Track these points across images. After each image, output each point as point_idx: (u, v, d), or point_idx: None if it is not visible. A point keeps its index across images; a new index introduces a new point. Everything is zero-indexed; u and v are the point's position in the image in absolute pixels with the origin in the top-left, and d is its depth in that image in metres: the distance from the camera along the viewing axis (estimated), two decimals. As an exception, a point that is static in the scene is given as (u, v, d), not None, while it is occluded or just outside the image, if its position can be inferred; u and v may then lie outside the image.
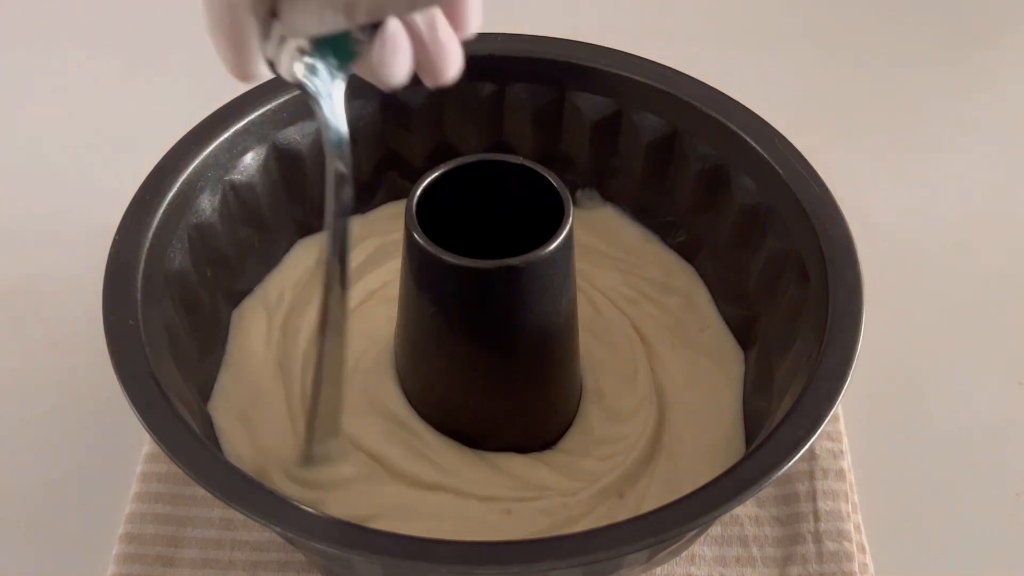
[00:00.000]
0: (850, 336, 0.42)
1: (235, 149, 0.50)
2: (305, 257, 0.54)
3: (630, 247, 0.55)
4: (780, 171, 0.48)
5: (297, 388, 0.49)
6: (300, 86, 0.36)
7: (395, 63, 0.35)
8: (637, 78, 0.52)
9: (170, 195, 0.47)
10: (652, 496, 0.46)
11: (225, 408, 0.48)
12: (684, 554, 0.47)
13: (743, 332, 0.51)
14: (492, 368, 0.46)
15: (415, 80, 0.37)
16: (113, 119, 0.66)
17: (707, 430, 0.48)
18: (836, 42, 0.73)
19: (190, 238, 0.48)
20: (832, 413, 0.40)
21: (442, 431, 0.47)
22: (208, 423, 0.47)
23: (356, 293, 0.53)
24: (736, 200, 0.50)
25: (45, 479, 0.50)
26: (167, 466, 0.49)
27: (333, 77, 0.36)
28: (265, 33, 0.34)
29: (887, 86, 0.70)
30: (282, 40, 0.34)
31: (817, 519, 0.48)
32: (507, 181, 0.45)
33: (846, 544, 0.47)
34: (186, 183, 0.47)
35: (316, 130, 0.52)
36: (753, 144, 0.49)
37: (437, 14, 0.35)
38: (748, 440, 0.48)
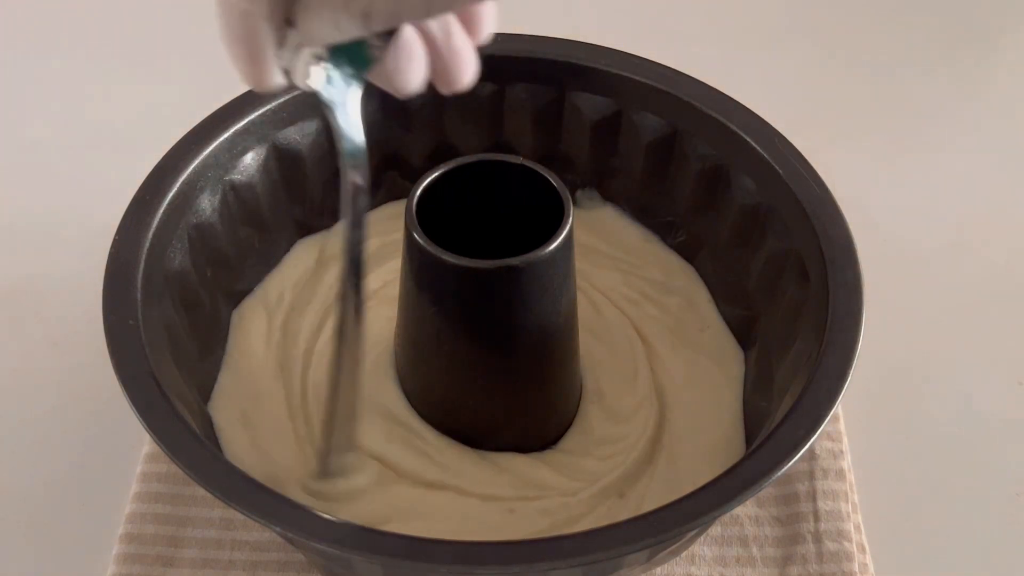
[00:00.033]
0: (850, 336, 0.42)
1: (235, 149, 0.50)
2: (305, 257, 0.54)
3: (630, 247, 0.55)
4: (780, 171, 0.48)
5: (297, 388, 0.49)
6: (315, 95, 0.35)
7: (410, 70, 0.35)
8: (637, 78, 0.52)
9: (170, 195, 0.47)
10: (652, 496, 0.46)
11: (225, 408, 0.48)
12: (684, 554, 0.47)
13: (743, 332, 0.51)
14: (492, 368, 0.46)
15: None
16: (113, 119, 0.66)
17: (707, 430, 0.48)
18: (836, 42, 0.73)
19: (190, 238, 0.48)
20: (832, 413, 0.40)
21: (442, 431, 0.47)
22: (208, 423, 0.47)
23: (356, 293, 0.53)
24: (736, 200, 0.50)
25: (45, 479, 0.50)
26: (167, 466, 0.49)
27: (348, 85, 0.35)
28: (280, 41, 0.33)
29: (887, 86, 0.70)
30: (297, 48, 0.34)
31: (817, 519, 0.48)
32: (507, 181, 0.45)
33: (846, 544, 0.47)
34: (186, 183, 0.47)
35: (316, 130, 0.52)
36: (753, 144, 0.49)
37: (452, 20, 0.35)
38: (748, 440, 0.48)
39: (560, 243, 0.42)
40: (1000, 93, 0.70)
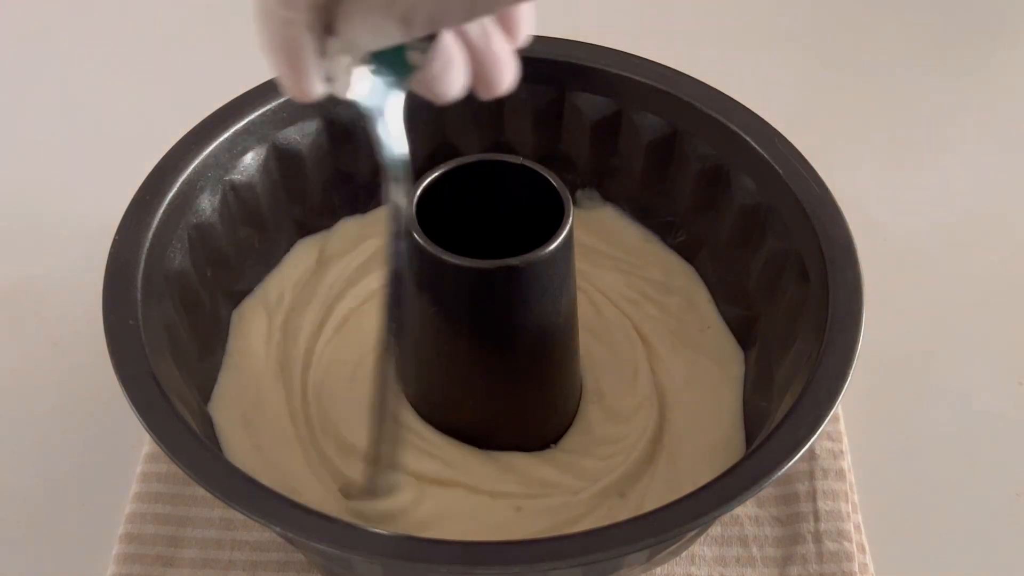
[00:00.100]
0: (850, 336, 0.42)
1: (235, 149, 0.50)
2: (305, 257, 0.54)
3: (630, 247, 0.55)
4: (780, 171, 0.48)
5: (297, 388, 0.49)
6: (355, 104, 0.35)
7: (451, 76, 0.34)
8: (637, 78, 0.52)
9: (170, 195, 0.47)
10: (653, 496, 0.46)
11: (225, 408, 0.48)
12: (684, 554, 0.47)
13: (743, 332, 0.51)
14: (492, 368, 0.46)
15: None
16: (113, 119, 0.66)
17: (707, 430, 0.48)
18: (836, 42, 0.73)
19: (190, 238, 0.48)
20: (832, 413, 0.40)
21: (442, 431, 0.47)
22: (208, 423, 0.47)
23: (356, 294, 0.53)
24: (736, 200, 0.50)
25: (45, 479, 0.50)
26: (167, 466, 0.49)
27: (388, 94, 0.35)
28: (322, 50, 0.33)
29: (887, 86, 0.70)
30: (337, 57, 0.34)
31: (817, 519, 0.48)
32: (507, 181, 0.45)
33: (846, 544, 0.47)
34: (186, 183, 0.47)
35: (316, 130, 0.52)
36: (753, 144, 0.49)
37: (490, 24, 0.34)
38: (748, 440, 0.48)
39: (560, 243, 0.42)
40: (1000, 93, 0.70)
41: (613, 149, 0.54)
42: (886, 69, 0.71)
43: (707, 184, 0.51)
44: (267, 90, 0.50)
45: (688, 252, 0.55)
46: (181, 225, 0.47)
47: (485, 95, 0.36)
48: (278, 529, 0.37)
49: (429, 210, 0.43)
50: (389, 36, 0.32)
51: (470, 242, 0.43)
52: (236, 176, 0.50)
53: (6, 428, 0.52)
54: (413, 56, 0.34)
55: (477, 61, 0.35)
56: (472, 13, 0.32)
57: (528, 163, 0.44)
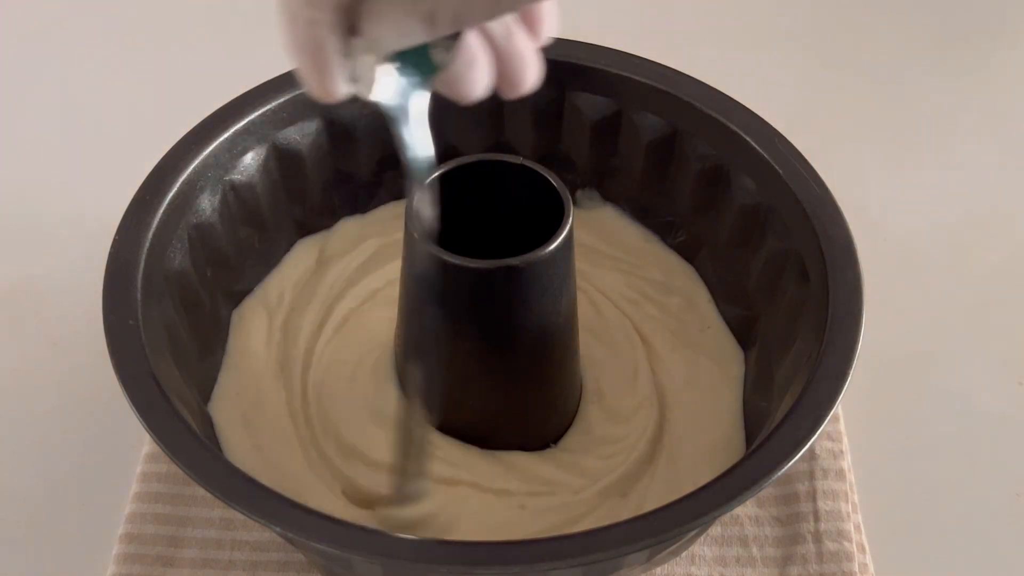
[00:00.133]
0: (850, 336, 0.42)
1: (235, 149, 0.50)
2: (305, 257, 0.54)
3: (630, 247, 0.55)
4: (780, 171, 0.48)
5: (297, 388, 0.49)
6: (379, 105, 0.35)
7: (475, 76, 0.34)
8: (637, 78, 0.52)
9: (170, 195, 0.47)
10: (653, 496, 0.46)
11: (225, 408, 0.48)
12: (684, 554, 0.47)
13: (743, 332, 0.51)
14: (492, 368, 0.46)
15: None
16: (113, 119, 0.66)
17: (707, 430, 0.48)
18: (836, 42, 0.73)
19: (190, 238, 0.48)
20: (832, 413, 0.40)
21: (442, 431, 0.47)
22: (208, 423, 0.47)
23: (356, 294, 0.53)
24: (736, 200, 0.50)
25: (45, 479, 0.50)
26: (167, 466, 0.49)
27: (412, 94, 0.35)
28: (346, 50, 0.33)
29: (887, 86, 0.70)
30: (362, 57, 0.33)
31: (817, 519, 0.48)
32: (507, 181, 0.45)
33: (846, 544, 0.47)
34: (186, 183, 0.47)
35: (316, 130, 0.52)
36: (753, 144, 0.49)
37: (513, 23, 0.34)
38: (748, 440, 0.48)
39: (560, 243, 0.42)
40: (1000, 93, 0.70)
41: (613, 149, 0.54)
42: (886, 69, 0.71)
43: (707, 184, 0.51)
44: (267, 90, 0.50)
45: (688, 252, 0.54)
46: (181, 225, 0.47)
47: (509, 94, 0.36)
48: (278, 529, 0.37)
49: (429, 210, 0.42)
50: (413, 35, 0.32)
51: (470, 242, 0.43)
52: (236, 176, 0.50)
53: (6, 428, 0.52)
54: (437, 55, 0.34)
55: (501, 60, 0.35)
56: (496, 11, 0.32)
57: (528, 163, 0.44)
